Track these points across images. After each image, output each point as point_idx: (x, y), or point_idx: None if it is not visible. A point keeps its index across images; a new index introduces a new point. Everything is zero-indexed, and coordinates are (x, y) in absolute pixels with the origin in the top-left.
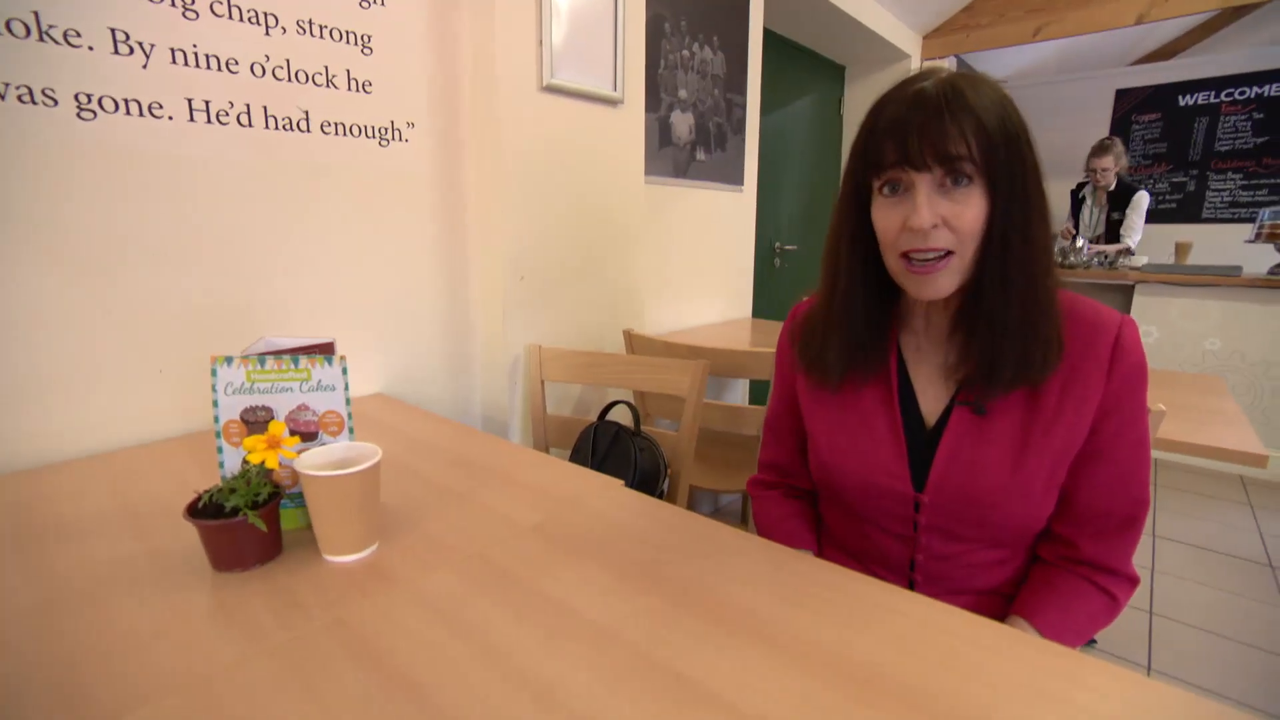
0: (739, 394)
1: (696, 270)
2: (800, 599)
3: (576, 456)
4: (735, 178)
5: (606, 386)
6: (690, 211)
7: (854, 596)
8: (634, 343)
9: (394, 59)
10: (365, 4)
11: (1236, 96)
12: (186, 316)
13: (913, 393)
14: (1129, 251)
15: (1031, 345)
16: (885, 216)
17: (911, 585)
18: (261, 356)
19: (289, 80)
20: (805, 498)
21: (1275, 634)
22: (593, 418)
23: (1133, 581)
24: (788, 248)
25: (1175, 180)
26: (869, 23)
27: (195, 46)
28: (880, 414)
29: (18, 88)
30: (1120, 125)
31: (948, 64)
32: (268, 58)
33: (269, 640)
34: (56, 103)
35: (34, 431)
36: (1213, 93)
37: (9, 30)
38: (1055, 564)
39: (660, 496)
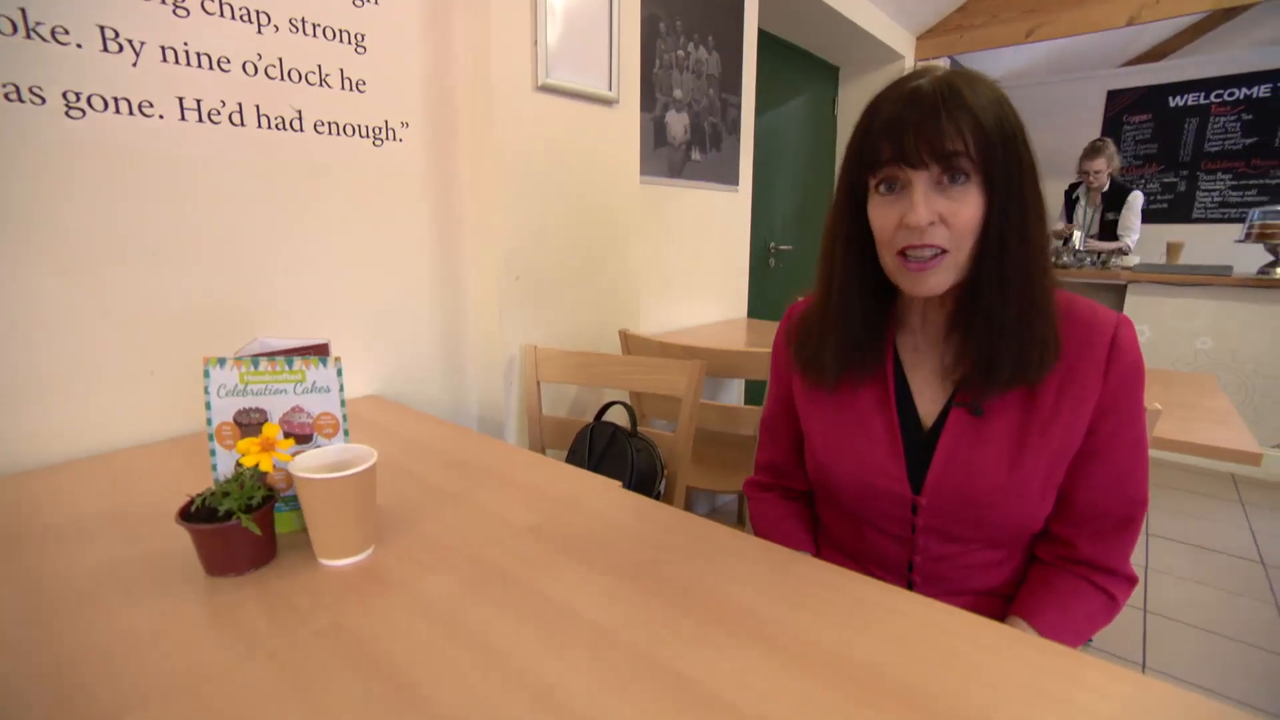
0: (735, 394)
1: (692, 270)
2: (799, 599)
3: (573, 458)
4: (730, 178)
5: (602, 387)
6: (685, 211)
7: (853, 597)
8: (630, 343)
9: (388, 58)
10: (359, 3)
11: (1226, 98)
12: (178, 317)
13: (910, 394)
14: (1125, 251)
15: (1028, 345)
16: (881, 215)
17: (910, 586)
18: (255, 358)
19: (282, 79)
20: (802, 499)
21: (1269, 631)
22: (589, 418)
23: (1131, 581)
24: (782, 248)
25: (1166, 181)
26: (863, 23)
27: (186, 45)
28: (877, 415)
29: (4, 85)
30: (1112, 126)
31: (942, 64)
32: (260, 56)
33: (264, 645)
34: (44, 101)
35: (23, 434)
36: (1202, 94)
37: None
38: (1053, 564)
39: (657, 497)
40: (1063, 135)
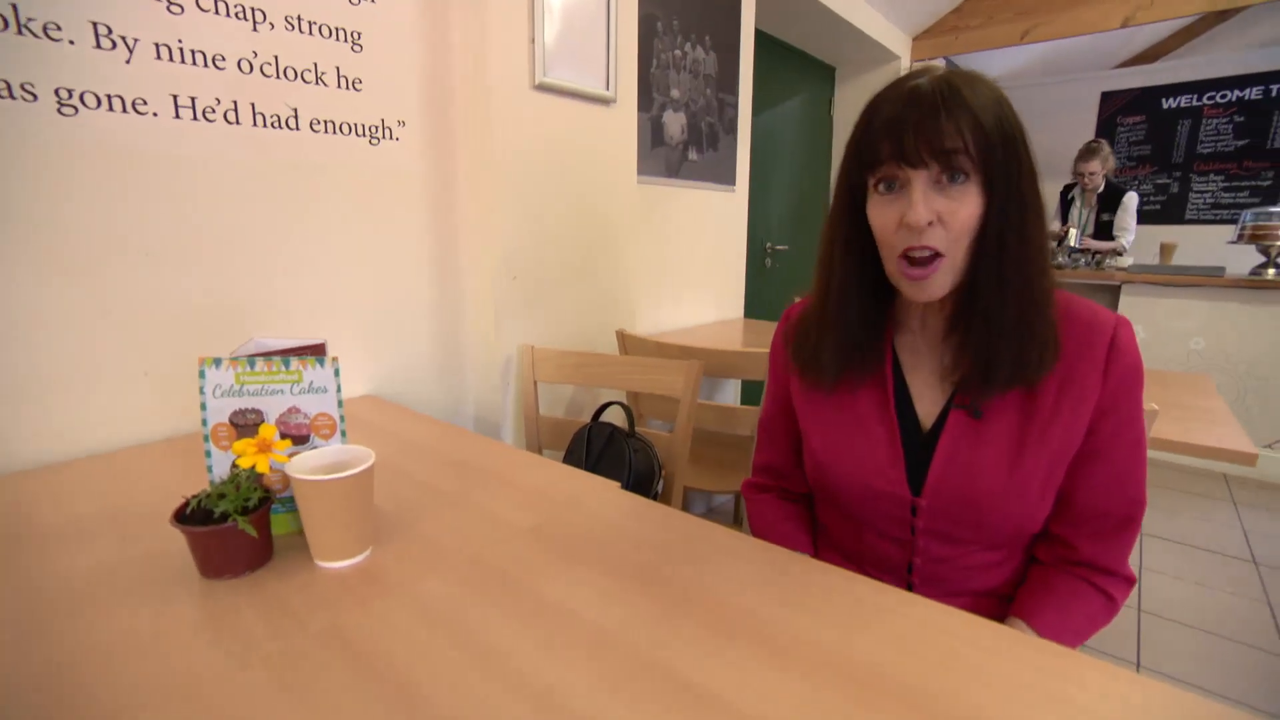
0: (731, 394)
1: (688, 270)
2: (799, 600)
3: (570, 458)
4: (727, 178)
5: (600, 387)
6: (682, 211)
7: (852, 598)
8: (627, 343)
9: (384, 56)
10: (355, 0)
11: (1218, 100)
12: (173, 317)
13: (909, 396)
14: (1120, 252)
15: (1027, 345)
16: (881, 215)
17: (909, 587)
18: (251, 358)
19: (277, 77)
20: (801, 500)
21: (1262, 631)
22: (586, 419)
23: (1129, 581)
24: (778, 248)
25: (1159, 182)
26: (859, 24)
27: (180, 42)
28: (876, 417)
29: None
30: (1106, 127)
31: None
32: (255, 54)
33: (261, 649)
34: (36, 98)
35: (19, 434)
36: (1195, 96)
37: None
38: (1053, 565)
39: (655, 498)
40: (1057, 136)
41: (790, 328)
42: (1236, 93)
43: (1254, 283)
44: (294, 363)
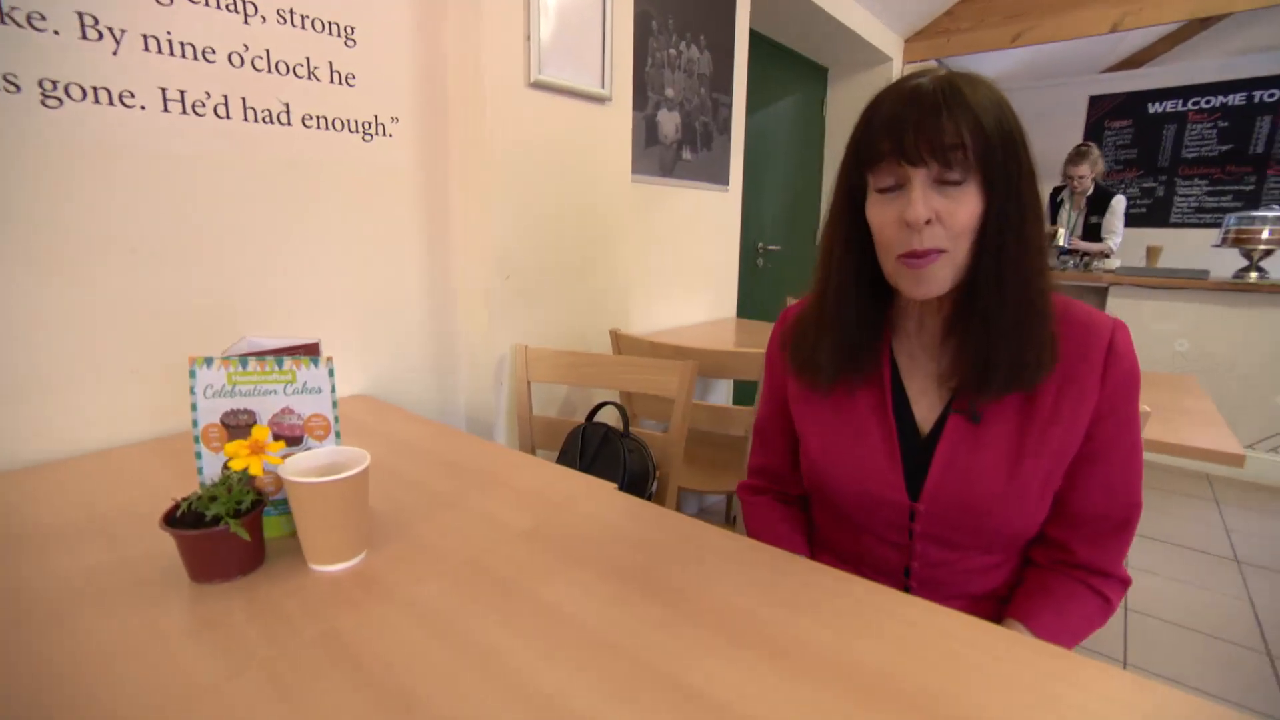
0: (723, 394)
1: (682, 270)
2: (799, 603)
3: (564, 458)
4: (721, 177)
5: (594, 387)
6: (676, 211)
7: (853, 600)
8: (620, 343)
9: (378, 51)
10: None
11: (1203, 105)
12: (158, 315)
13: (906, 400)
14: (1107, 254)
15: (1024, 348)
16: (880, 213)
17: (906, 591)
18: (243, 358)
19: (269, 71)
20: (796, 503)
21: (1243, 627)
22: (578, 419)
23: (1125, 583)
24: (771, 248)
25: (1145, 185)
26: (852, 24)
27: (169, 34)
28: (874, 421)
29: None
30: (1094, 131)
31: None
32: (246, 47)
33: (254, 655)
34: (19, 89)
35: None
36: (1180, 101)
37: None
38: (1049, 567)
39: (649, 498)
40: (1047, 139)
41: (787, 330)
42: (1220, 99)
43: (1237, 285)
44: (287, 362)
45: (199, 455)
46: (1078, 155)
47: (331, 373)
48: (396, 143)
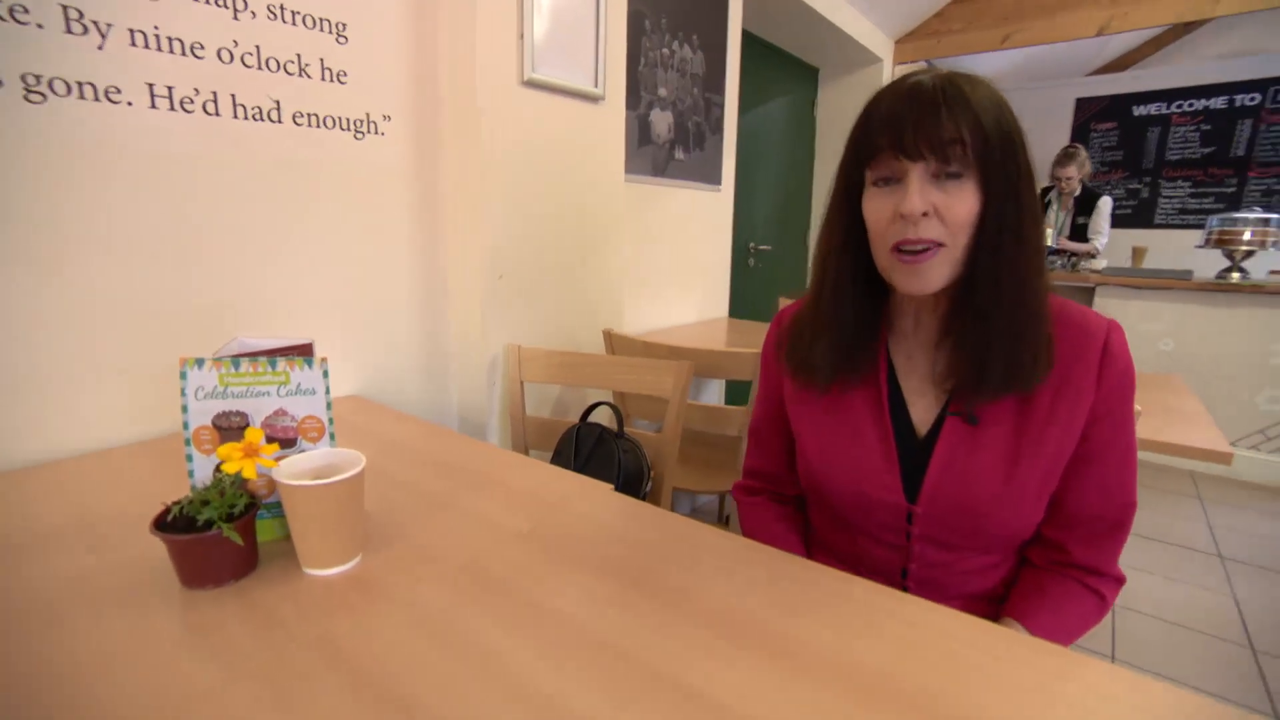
0: (715, 394)
1: (674, 270)
2: (800, 604)
3: (558, 459)
4: (713, 177)
5: (587, 388)
6: (669, 210)
7: (854, 601)
8: (614, 343)
9: (370, 49)
10: None
11: (1186, 108)
12: (145, 315)
13: (903, 401)
14: (1094, 254)
15: (1020, 350)
16: (876, 207)
17: (904, 592)
18: (235, 359)
19: (259, 68)
20: (792, 503)
21: (1226, 622)
22: (572, 419)
23: (1119, 581)
24: (762, 248)
25: (1130, 187)
26: (842, 25)
27: (157, 28)
28: (870, 423)
29: None
30: (1080, 133)
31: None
32: (236, 43)
33: (249, 662)
34: (2, 84)
35: None
36: (1164, 104)
37: None
38: (1045, 567)
39: (643, 499)
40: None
41: (783, 330)
42: (1203, 102)
43: (1220, 286)
44: (281, 363)
45: (190, 458)
46: (1065, 157)
47: (326, 374)
48: (389, 141)
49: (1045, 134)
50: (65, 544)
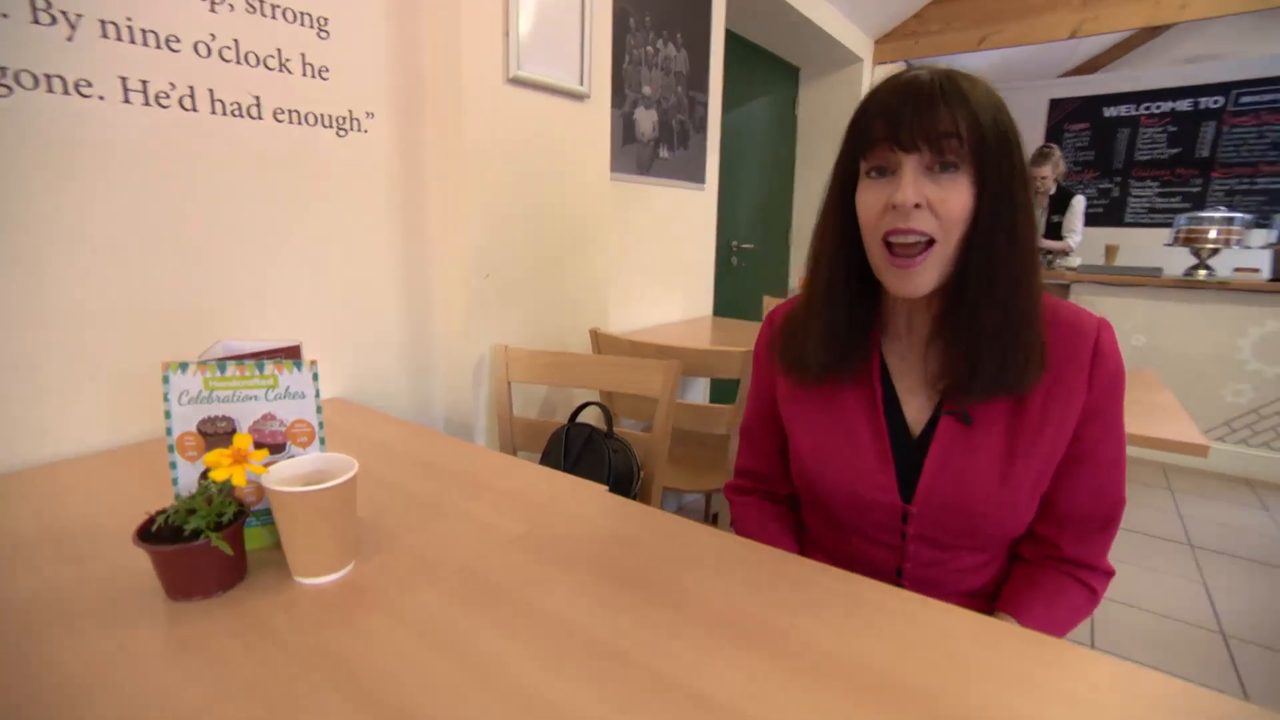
0: (700, 392)
1: (659, 268)
2: (802, 604)
3: (547, 460)
4: (697, 176)
5: (575, 388)
6: (653, 209)
7: (856, 600)
8: (601, 342)
9: (353, 44)
10: None
11: (1153, 110)
12: (117, 317)
13: (896, 400)
14: (1068, 252)
15: (1011, 352)
16: (869, 199)
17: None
18: (221, 362)
19: (238, 62)
20: (784, 502)
21: (1198, 609)
22: (557, 419)
23: (1109, 574)
24: (745, 246)
25: (1102, 186)
26: (823, 24)
27: (130, 20)
28: (865, 423)
29: None
30: (1054, 133)
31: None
32: (213, 36)
33: (241, 676)
34: None
35: None
36: (1133, 106)
37: None
38: (1037, 562)
39: (633, 499)
40: None
41: (776, 329)
42: (1170, 104)
43: (1187, 283)
44: (269, 366)
45: (174, 465)
46: (1040, 156)
47: (315, 377)
48: (372, 139)
49: (1021, 134)
50: (41, 556)
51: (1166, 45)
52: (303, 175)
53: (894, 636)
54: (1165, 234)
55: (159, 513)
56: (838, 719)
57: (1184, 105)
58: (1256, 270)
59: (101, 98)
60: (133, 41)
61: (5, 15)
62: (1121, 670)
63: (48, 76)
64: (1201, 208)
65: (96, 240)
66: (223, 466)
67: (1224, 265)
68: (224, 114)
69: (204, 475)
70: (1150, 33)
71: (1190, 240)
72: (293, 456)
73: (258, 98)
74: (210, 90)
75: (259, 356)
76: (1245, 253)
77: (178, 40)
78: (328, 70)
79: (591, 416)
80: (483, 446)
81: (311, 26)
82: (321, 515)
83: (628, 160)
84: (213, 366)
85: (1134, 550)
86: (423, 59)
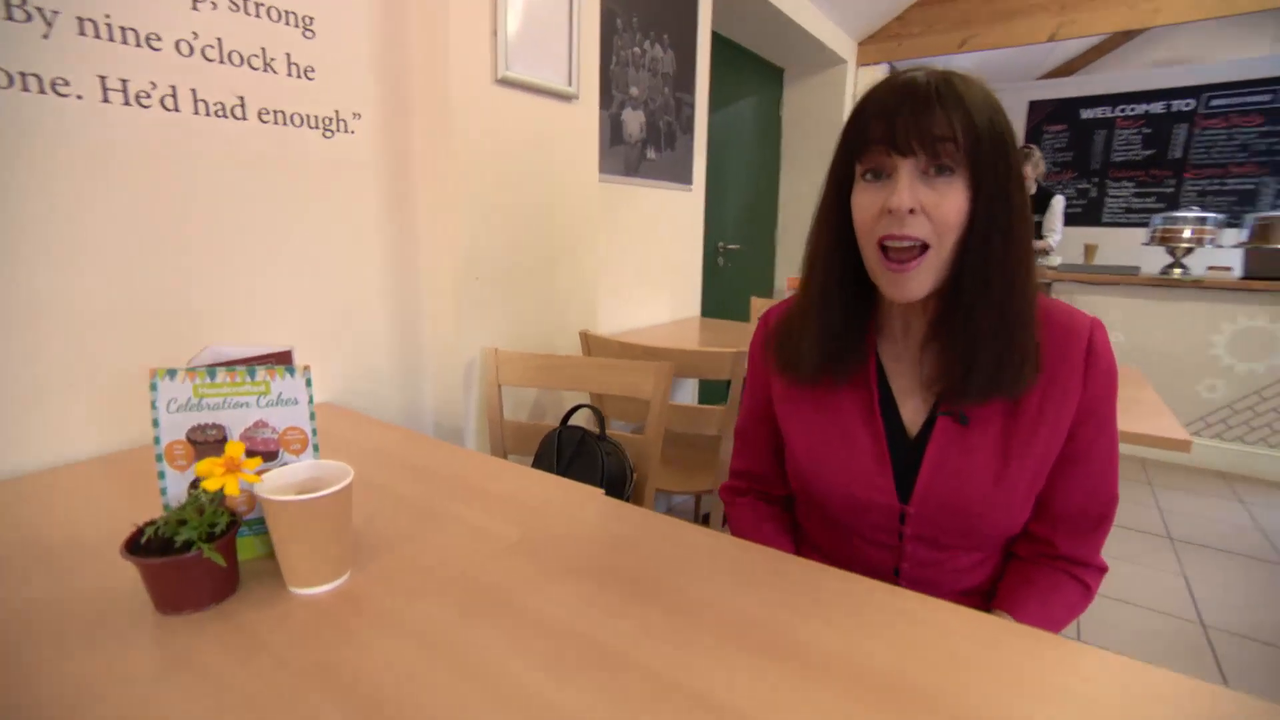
0: (689, 393)
1: (647, 269)
2: (806, 605)
3: (539, 463)
4: (684, 177)
5: (567, 390)
6: (641, 210)
7: (858, 600)
8: (591, 344)
9: (339, 44)
10: None
11: (1128, 112)
12: (94, 321)
13: (893, 402)
14: (1049, 251)
15: (1007, 354)
16: (864, 202)
17: None
18: (212, 369)
19: (221, 62)
20: (779, 503)
21: (1178, 601)
22: (547, 422)
23: (1102, 570)
24: (731, 247)
25: (1080, 187)
26: (807, 26)
27: (109, 17)
28: (862, 424)
29: None
30: (1033, 134)
31: (881, 71)
32: (196, 35)
33: (238, 691)
34: None
35: None
36: (1109, 108)
37: None
38: (1032, 560)
39: (626, 501)
40: None
41: (771, 330)
42: (1144, 106)
43: (1164, 281)
44: (260, 373)
45: (162, 475)
46: (1021, 157)
47: (309, 383)
48: (359, 140)
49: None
50: (19, 573)
51: (1139, 49)
52: (288, 177)
53: (897, 636)
54: (1142, 233)
55: (148, 524)
56: (844, 719)
57: (1157, 108)
58: (1229, 269)
59: (80, 97)
60: (111, 39)
61: None
62: (1120, 665)
63: (23, 75)
64: (1175, 208)
65: (74, 242)
66: (215, 476)
67: (1198, 264)
68: (207, 114)
69: (194, 485)
70: (1124, 36)
71: (1166, 239)
72: (285, 464)
73: (242, 98)
74: (193, 90)
75: (250, 362)
76: (1218, 252)
77: (158, 39)
78: (313, 70)
79: (581, 419)
80: (475, 450)
81: (296, 26)
82: (317, 524)
83: (615, 161)
84: (203, 373)
85: (1117, 544)
86: (410, 59)
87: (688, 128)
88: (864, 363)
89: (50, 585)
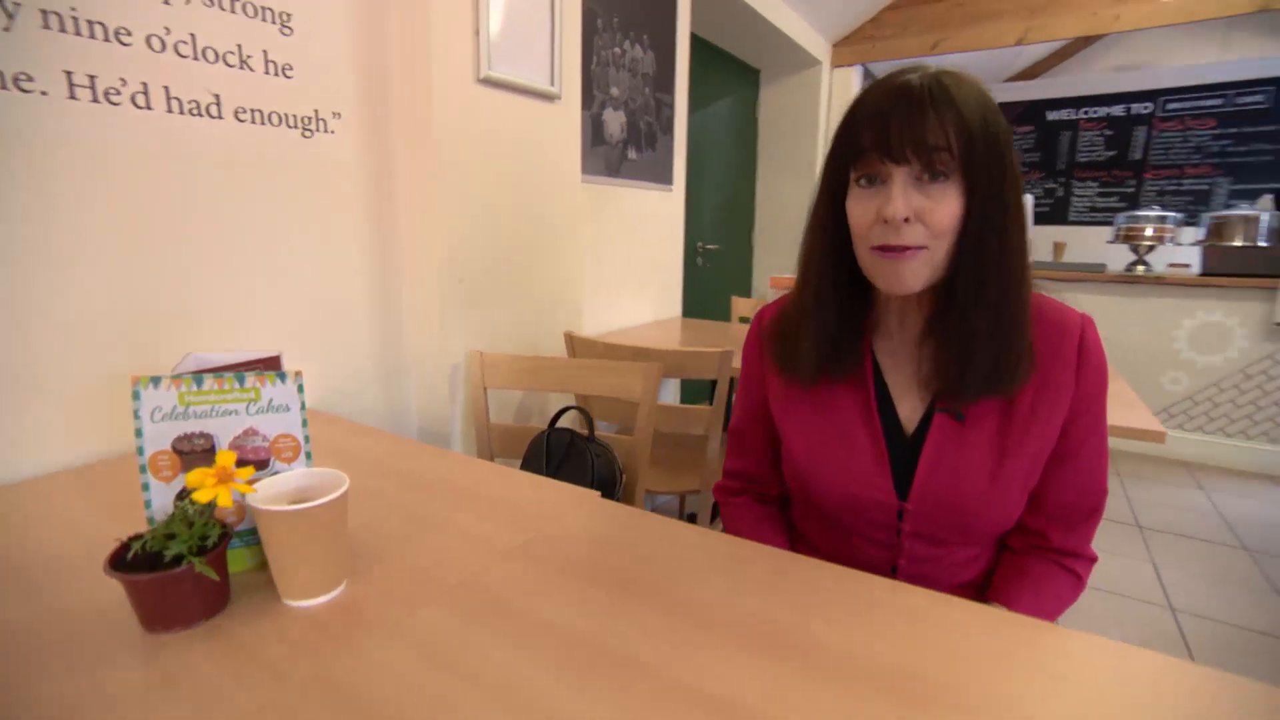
0: (670, 393)
1: (629, 270)
2: (810, 604)
3: (528, 466)
4: (665, 177)
5: (553, 392)
6: (623, 211)
7: (860, 599)
8: (575, 345)
9: (317, 41)
10: None
11: (1091, 115)
12: (65, 326)
13: (890, 400)
14: None
15: (1002, 354)
16: (859, 209)
17: None
18: (198, 376)
19: (195, 58)
20: (774, 502)
21: (1146, 586)
22: (533, 424)
23: (1092, 560)
24: (710, 247)
25: (1047, 186)
26: (783, 26)
27: (74, 10)
28: (859, 422)
29: None
30: None
31: (856, 72)
32: (168, 30)
33: (235, 709)
34: None
35: None
36: (1073, 110)
37: None
38: (1025, 552)
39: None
40: None
41: (766, 329)
42: (1105, 109)
43: (1128, 278)
44: (250, 379)
45: (146, 486)
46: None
47: (300, 388)
48: (339, 140)
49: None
50: None
51: (1099, 54)
52: (267, 178)
53: (897, 630)
54: (1106, 231)
55: (133, 538)
56: (852, 715)
57: (1118, 110)
58: (1187, 266)
59: (44, 93)
60: (78, 34)
61: None
62: (1112, 648)
63: None
64: (1136, 207)
65: (41, 245)
66: (207, 487)
67: (1159, 261)
68: (181, 112)
69: (180, 496)
70: (1084, 41)
71: (1130, 238)
72: (277, 473)
73: (217, 96)
74: (166, 87)
75: (237, 368)
76: (1177, 249)
77: (128, 33)
78: (291, 68)
79: (568, 420)
80: (462, 454)
81: (274, 22)
82: (313, 534)
83: (597, 162)
84: (189, 380)
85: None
86: (391, 58)
87: (668, 128)
88: (860, 362)
89: (25, 605)
